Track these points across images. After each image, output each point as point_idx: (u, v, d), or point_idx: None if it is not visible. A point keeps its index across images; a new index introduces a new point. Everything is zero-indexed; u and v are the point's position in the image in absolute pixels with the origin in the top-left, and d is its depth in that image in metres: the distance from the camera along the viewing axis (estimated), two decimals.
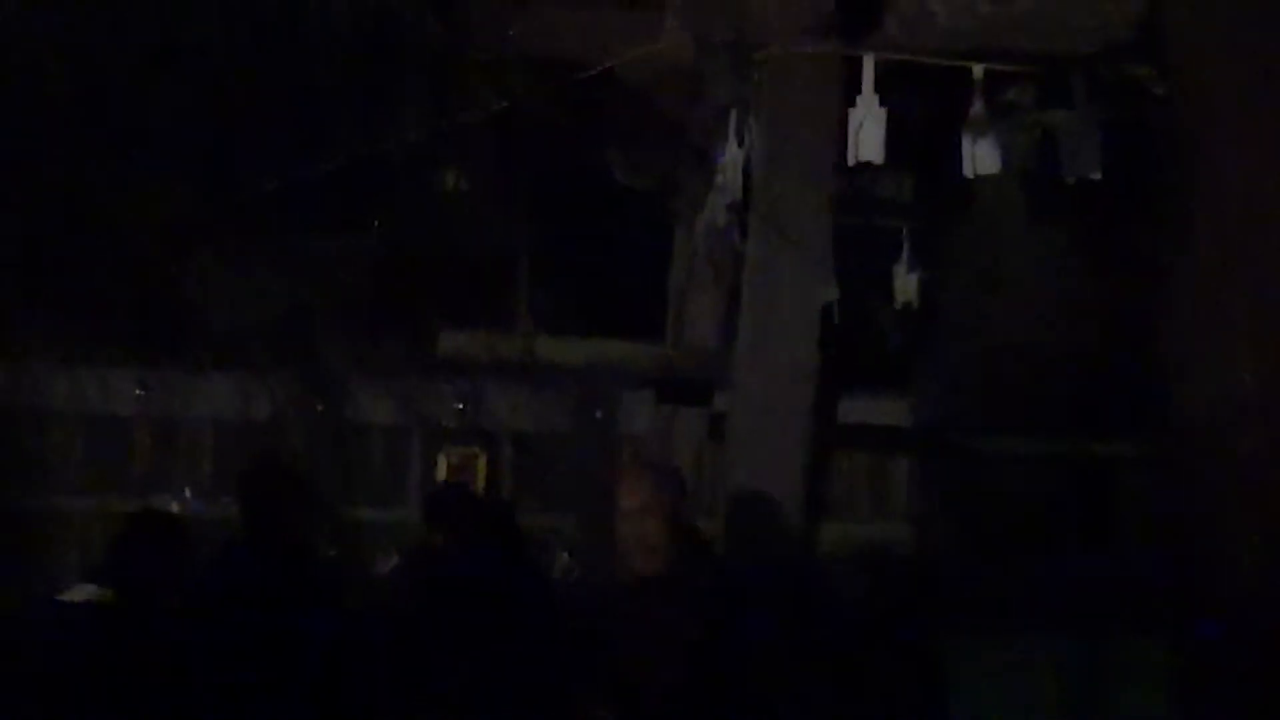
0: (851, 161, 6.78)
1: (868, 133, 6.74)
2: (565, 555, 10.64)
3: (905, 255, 9.06)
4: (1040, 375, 8.35)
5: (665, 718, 5.32)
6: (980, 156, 6.87)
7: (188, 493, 11.31)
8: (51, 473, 10.77)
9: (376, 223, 10.27)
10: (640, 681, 5.43)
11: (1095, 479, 8.36)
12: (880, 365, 9.78)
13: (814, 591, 6.83)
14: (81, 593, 5.75)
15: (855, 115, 6.76)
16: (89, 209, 8.71)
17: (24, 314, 9.56)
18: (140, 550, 5.64)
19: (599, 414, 11.10)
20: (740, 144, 7.23)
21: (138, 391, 11.13)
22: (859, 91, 6.79)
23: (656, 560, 5.61)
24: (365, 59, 7.72)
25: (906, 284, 9.09)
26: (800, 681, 5.74)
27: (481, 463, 11.50)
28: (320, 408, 11.22)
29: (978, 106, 6.87)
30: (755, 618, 5.62)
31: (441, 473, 11.20)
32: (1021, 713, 7.00)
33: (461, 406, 11.34)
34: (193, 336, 10.31)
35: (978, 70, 6.85)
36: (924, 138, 7.40)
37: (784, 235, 6.63)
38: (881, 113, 6.74)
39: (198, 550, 5.83)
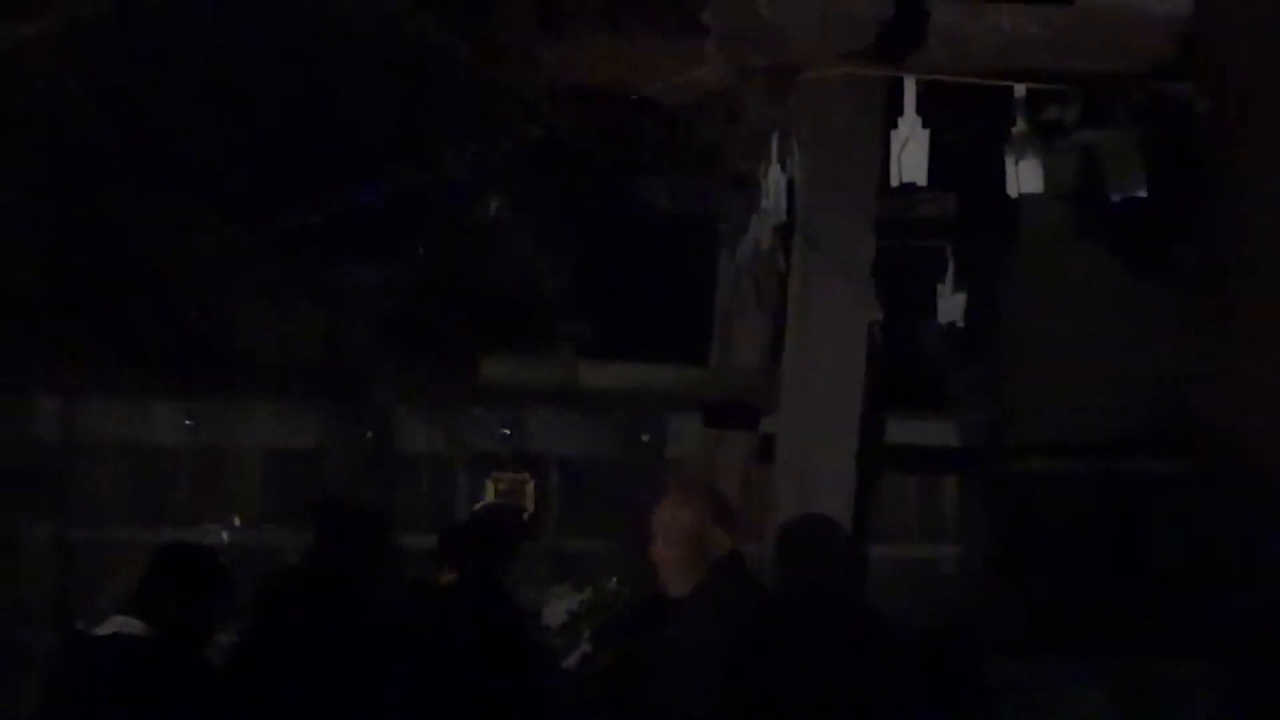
0: (894, 183, 6.78)
1: (910, 154, 6.73)
2: (613, 580, 10.66)
3: (950, 275, 9.05)
4: (1088, 393, 8.32)
5: None
6: (1024, 176, 6.85)
7: (236, 521, 11.40)
8: (102, 504, 10.85)
9: (420, 252, 10.32)
10: (676, 707, 5.44)
11: (1146, 498, 8.32)
12: (926, 386, 9.76)
13: (862, 615, 6.79)
14: (115, 625, 5.77)
15: (898, 137, 6.75)
16: (136, 246, 8.79)
17: (74, 350, 9.67)
18: (173, 583, 5.68)
19: (645, 438, 11.14)
20: (783, 167, 7.23)
21: (186, 422, 11.23)
22: (901, 113, 6.78)
23: (694, 583, 5.62)
24: (405, 91, 7.76)
25: (951, 304, 9.07)
26: (847, 706, 5.72)
27: (529, 488, 11.57)
28: (369, 436, 11.28)
29: (1020, 126, 6.85)
30: (799, 641, 5.61)
31: (490, 498, 11.27)
32: None
33: (508, 432, 11.41)
34: (239, 368, 10.38)
35: (1019, 90, 6.83)
36: (967, 158, 7.39)
37: (827, 257, 6.63)
38: (924, 134, 6.73)
39: (229, 582, 5.86)
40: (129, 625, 5.71)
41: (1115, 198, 6.90)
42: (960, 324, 9.11)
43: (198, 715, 5.58)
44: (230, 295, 9.75)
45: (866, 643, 6.16)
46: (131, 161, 8.25)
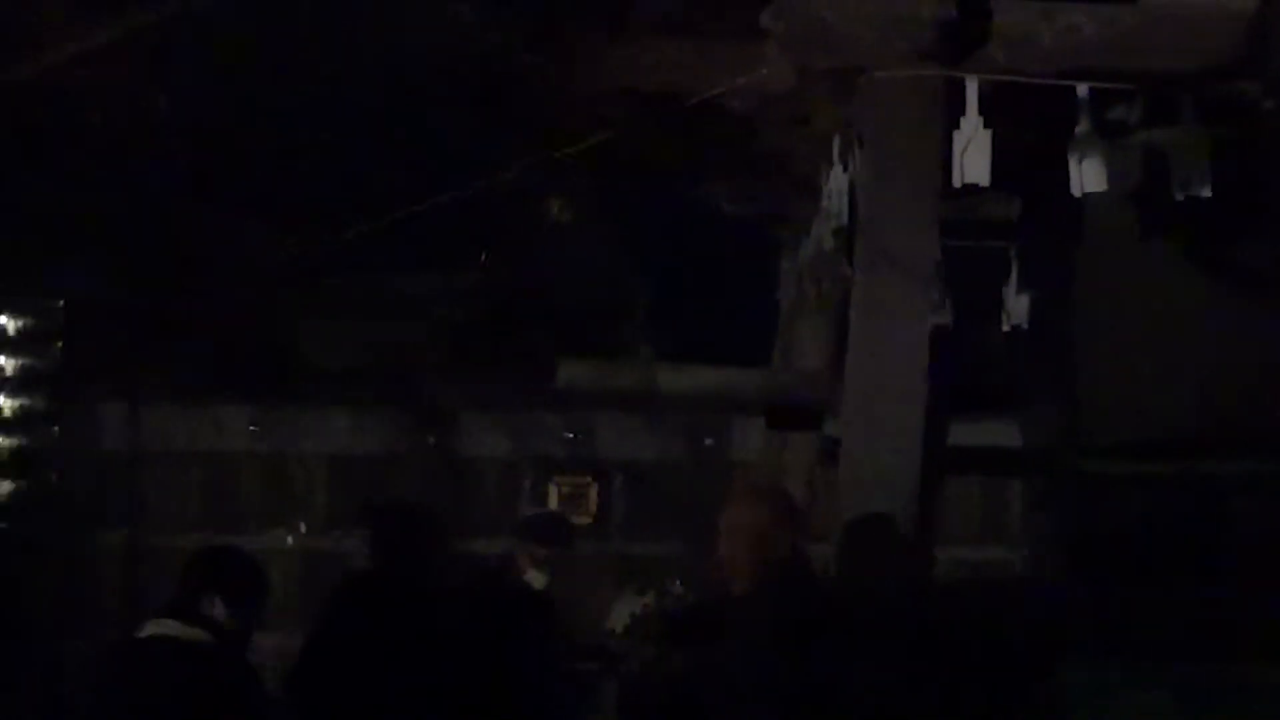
0: (957, 184, 6.76)
1: (973, 155, 6.71)
2: (677, 583, 10.66)
3: (1014, 276, 9.02)
4: (1156, 394, 8.27)
5: None
6: (1087, 175, 6.82)
7: (303, 527, 11.46)
8: (169, 511, 10.93)
9: (487, 257, 10.37)
10: (739, 710, 5.44)
11: (1217, 500, 8.27)
12: (991, 388, 9.73)
13: (928, 616, 6.78)
14: (155, 628, 5.82)
15: (960, 137, 6.73)
16: (206, 254, 8.87)
17: (140, 356, 9.76)
18: (211, 586, 5.73)
19: (709, 441, 11.13)
20: (845, 169, 7.23)
21: (251, 428, 11.31)
22: (963, 114, 6.76)
23: (759, 584, 5.62)
24: (473, 97, 7.80)
25: (1016, 305, 9.04)
26: (911, 707, 5.72)
27: (593, 491, 11.58)
28: (432, 440, 11.32)
29: (1083, 125, 6.82)
30: (863, 642, 5.61)
31: (552, 502, 11.28)
32: None
33: (571, 436, 11.42)
34: (307, 376, 10.45)
35: (1082, 89, 6.80)
36: (1030, 158, 7.36)
37: (890, 259, 6.62)
38: (986, 134, 6.71)
39: (267, 584, 5.91)
40: (168, 628, 5.75)
41: (1180, 197, 6.84)
42: (1025, 325, 9.08)
43: (237, 717, 5.63)
44: (299, 303, 9.83)
45: (931, 644, 6.16)
46: (202, 170, 8.34)
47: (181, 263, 9.27)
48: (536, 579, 8.82)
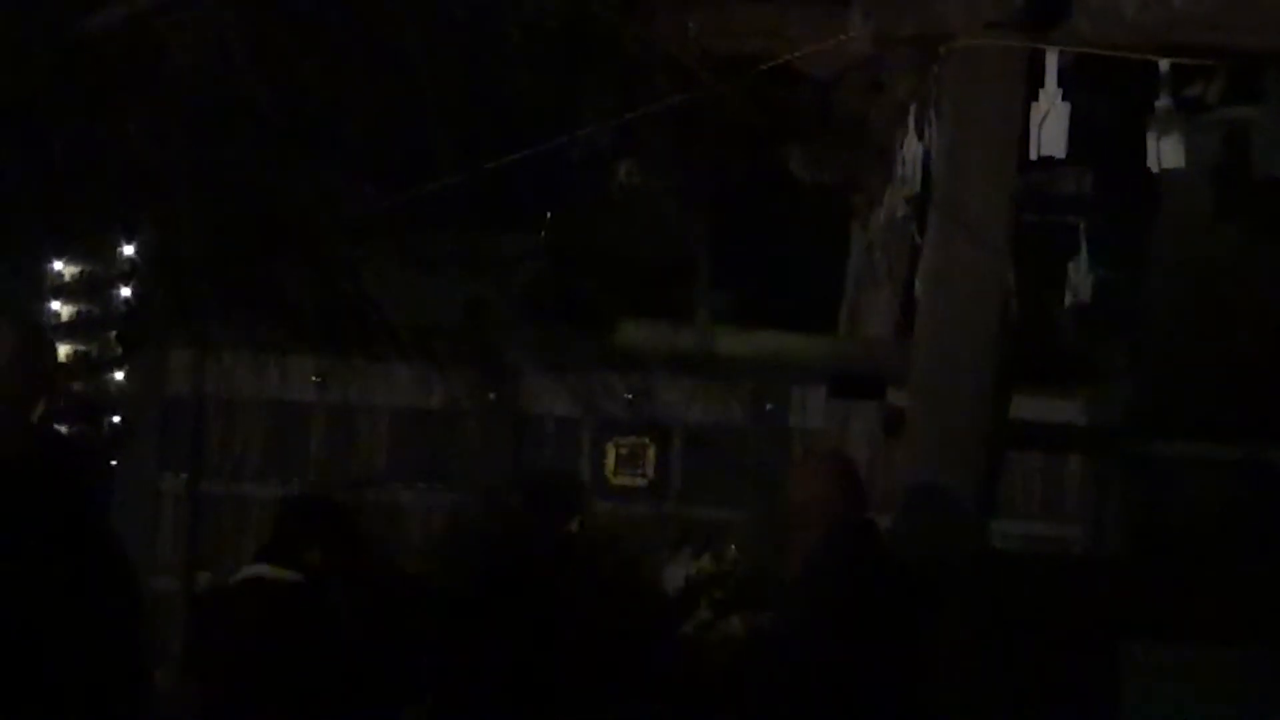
0: (1034, 156, 6.73)
1: (1050, 127, 6.68)
2: (732, 548, 10.67)
3: (1083, 252, 8.96)
4: (1222, 378, 8.22)
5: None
6: (1166, 152, 6.77)
7: (360, 480, 11.53)
8: (237, 460, 11.03)
9: (553, 218, 10.37)
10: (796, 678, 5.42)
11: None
12: (1058, 364, 9.69)
13: (987, 590, 6.77)
14: (253, 571, 5.94)
15: (1038, 109, 6.70)
16: (275, 204, 8.87)
17: (212, 306, 9.78)
18: (305, 532, 5.84)
19: (769, 407, 11.13)
20: (920, 138, 7.19)
21: (314, 379, 11.38)
22: (1042, 85, 6.73)
23: (823, 553, 5.59)
24: (552, 57, 7.77)
25: (1083, 282, 8.99)
26: (967, 680, 5.70)
27: (651, 453, 11.61)
28: (492, 396, 11.36)
29: (1164, 101, 6.76)
30: (927, 614, 5.58)
31: (610, 463, 11.31)
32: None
33: (630, 397, 11.43)
34: (373, 328, 10.48)
35: (1164, 64, 6.75)
36: (1106, 133, 7.31)
37: (964, 229, 6.60)
38: (1064, 107, 6.67)
39: (358, 531, 6.02)
40: (263, 571, 5.85)
41: (1260, 177, 6.79)
42: (1094, 302, 9.03)
43: (333, 656, 5.72)
44: (368, 257, 9.83)
45: (989, 618, 6.14)
46: (283, 124, 8.34)
47: (258, 213, 9.29)
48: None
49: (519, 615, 6.13)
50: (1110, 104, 7.10)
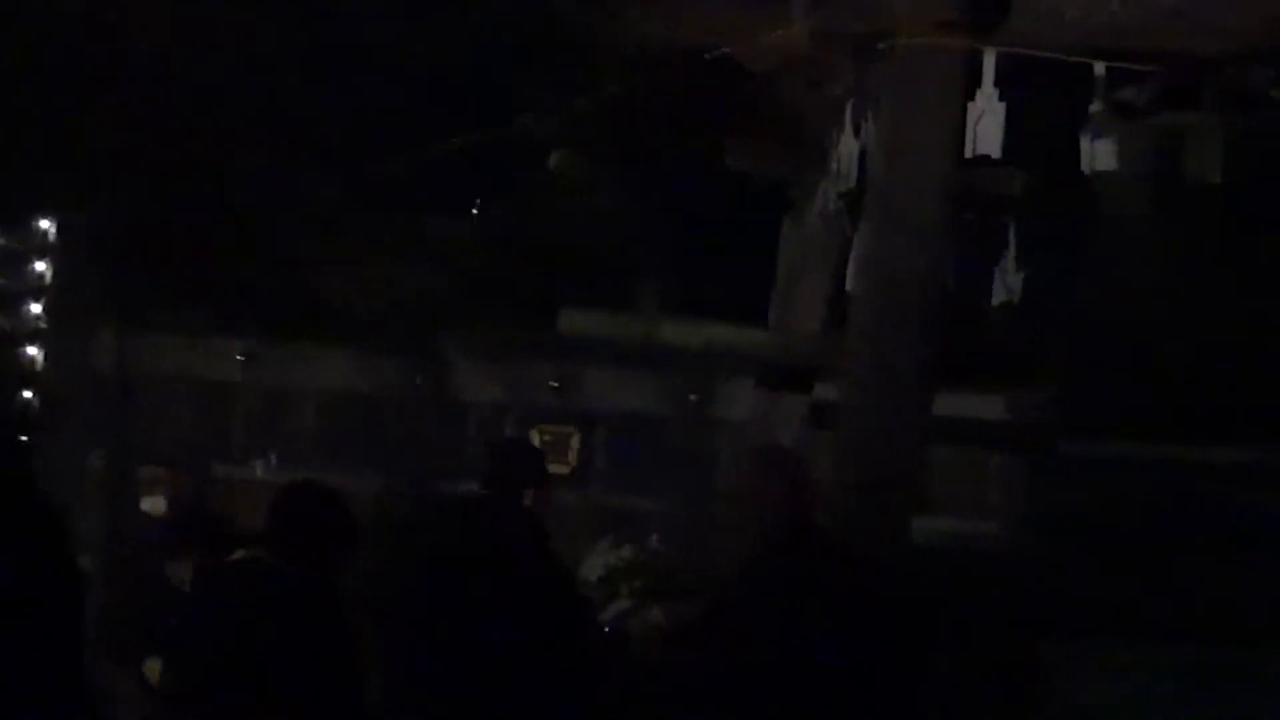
0: (969, 154, 6.79)
1: (986, 127, 6.75)
2: (654, 538, 10.67)
3: (1012, 252, 9.03)
4: (1142, 379, 8.31)
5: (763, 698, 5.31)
6: (1099, 154, 6.86)
7: (273, 459, 11.47)
8: (161, 438, 10.93)
9: (497, 205, 10.33)
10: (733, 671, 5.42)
11: (1204, 486, 8.32)
12: (982, 361, 9.75)
13: (916, 586, 6.81)
14: (245, 554, 5.96)
15: (974, 109, 6.76)
16: (214, 187, 8.84)
17: (146, 286, 9.75)
18: (297, 517, 5.82)
19: (693, 398, 11.12)
20: (856, 134, 7.24)
21: (239, 358, 11.30)
22: (979, 85, 6.79)
23: (772, 548, 5.59)
24: (490, 44, 7.76)
25: (1012, 281, 9.06)
26: (894, 675, 5.73)
27: (575, 442, 11.57)
28: (418, 381, 11.31)
29: (1098, 104, 6.85)
30: (868, 610, 5.60)
31: None
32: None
33: (556, 385, 11.41)
34: (308, 312, 10.43)
35: (1099, 68, 6.83)
36: (1039, 134, 7.39)
37: (901, 225, 6.65)
38: (1000, 107, 6.74)
39: (351, 518, 6.00)
40: (256, 553, 5.87)
41: (1191, 181, 6.88)
42: (1020, 301, 9.10)
43: (323, 641, 5.73)
44: (305, 240, 9.80)
45: (912, 614, 6.17)
46: (217, 103, 8.30)
47: (189, 190, 9.24)
48: None
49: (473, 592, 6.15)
50: (1046, 105, 7.18)
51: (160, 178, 8.60)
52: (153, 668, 6.94)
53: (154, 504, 8.22)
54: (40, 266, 11.22)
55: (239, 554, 5.97)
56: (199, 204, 8.81)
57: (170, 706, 6.17)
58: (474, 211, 10.83)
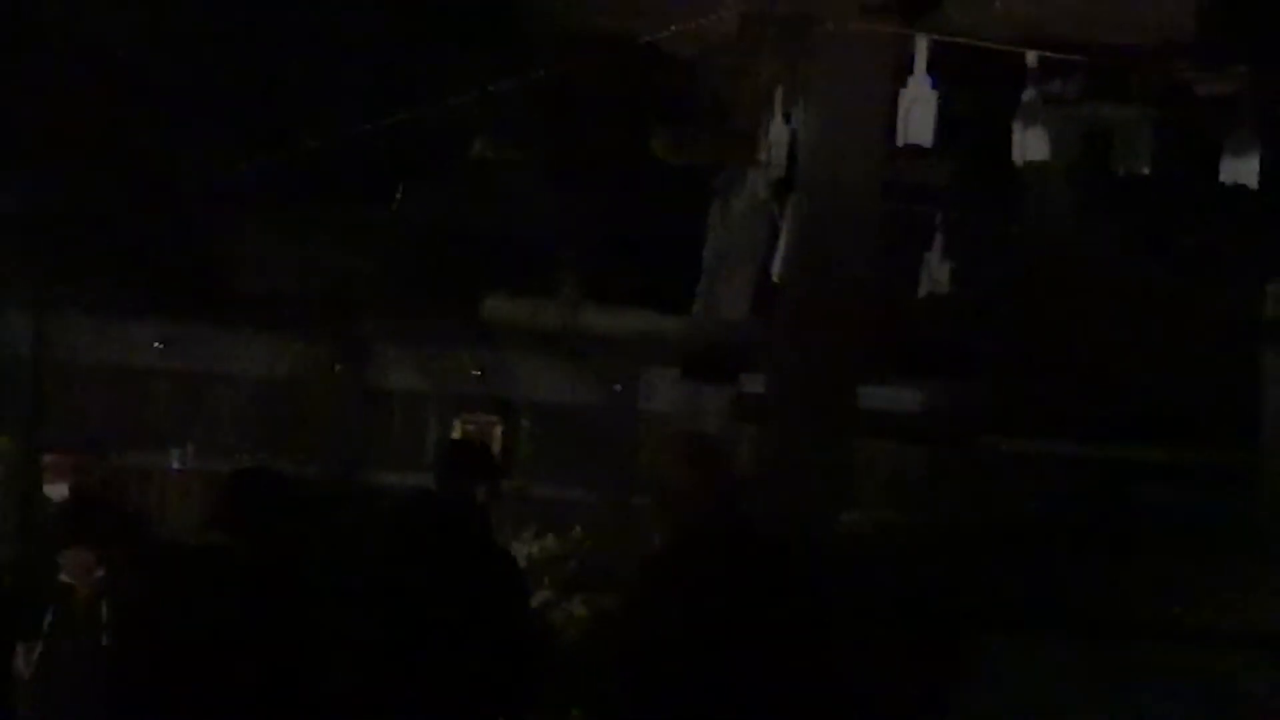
0: (900, 143, 6.73)
1: (917, 115, 6.69)
2: (577, 529, 10.61)
3: (938, 243, 9.00)
4: (1062, 376, 8.32)
5: (685, 690, 5.27)
6: (1030, 144, 6.82)
7: (190, 448, 11.35)
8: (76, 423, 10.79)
9: (410, 191, 10.23)
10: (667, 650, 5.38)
11: (1110, 485, 8.35)
12: (902, 353, 9.73)
13: (838, 576, 6.77)
14: (201, 539, 5.94)
15: (906, 96, 6.70)
16: (135, 169, 8.70)
17: (55, 266, 9.59)
18: (252, 503, 5.78)
19: (617, 387, 11.07)
20: (786, 121, 7.18)
21: (156, 345, 11.16)
22: (911, 73, 6.74)
23: (686, 534, 5.55)
24: (415, 28, 7.66)
25: (938, 272, 9.03)
26: (817, 664, 5.70)
27: (497, 431, 11.50)
28: (338, 369, 11.21)
29: (1030, 93, 6.81)
30: (787, 600, 5.57)
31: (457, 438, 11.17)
32: (1023, 711, 7.01)
33: (479, 374, 11.33)
34: (227, 296, 10.31)
35: (1031, 58, 6.79)
36: (968, 123, 7.35)
37: (833, 213, 6.59)
38: (932, 95, 6.69)
39: (305, 504, 6.01)
40: (209, 539, 5.83)
41: (1120, 173, 6.86)
42: (945, 292, 9.09)
43: (278, 625, 5.70)
44: (225, 224, 9.68)
45: (834, 607, 6.14)
46: (141, 84, 8.16)
47: (103, 175, 9.09)
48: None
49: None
50: (977, 94, 7.14)
51: (76, 160, 8.44)
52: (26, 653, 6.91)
53: (56, 490, 8.09)
54: None
55: (191, 539, 5.95)
56: (116, 187, 8.66)
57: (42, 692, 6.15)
58: (397, 197, 10.72)
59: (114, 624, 6.83)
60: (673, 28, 7.22)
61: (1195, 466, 7.93)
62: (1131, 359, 7.79)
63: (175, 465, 11.29)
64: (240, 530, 5.80)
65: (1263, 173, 6.69)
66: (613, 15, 7.51)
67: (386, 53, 7.69)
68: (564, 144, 9.09)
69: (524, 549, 9.75)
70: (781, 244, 7.74)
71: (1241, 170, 6.69)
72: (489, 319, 8.65)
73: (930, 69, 6.74)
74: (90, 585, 7.11)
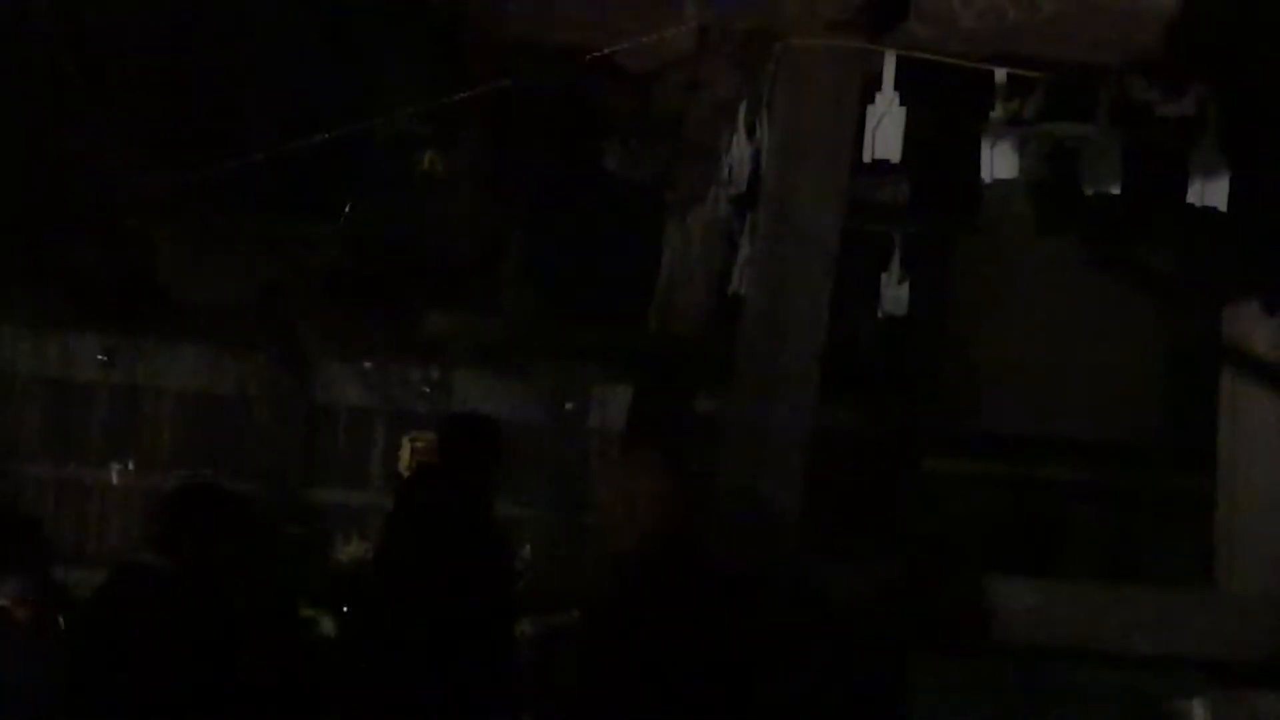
0: (868, 159, 6.64)
1: (885, 131, 6.60)
2: (526, 548, 10.52)
3: (895, 262, 8.93)
4: (1003, 396, 8.28)
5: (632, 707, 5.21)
6: (998, 162, 6.74)
7: (130, 464, 11.20)
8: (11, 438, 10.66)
9: (355, 202, 10.13)
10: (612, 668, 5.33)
11: (1045, 505, 8.33)
12: (855, 374, 9.66)
13: (792, 596, 6.71)
14: (135, 559, 5.93)
15: (874, 112, 6.61)
16: (68, 179, 8.56)
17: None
18: (189, 521, 5.72)
19: (569, 405, 10.97)
20: (749, 137, 7.07)
21: (100, 358, 11.01)
22: (879, 88, 6.65)
23: (639, 554, 5.49)
24: (361, 39, 7.55)
25: (896, 293, 8.95)
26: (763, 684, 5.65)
27: None
28: (283, 385, 11.08)
29: (998, 111, 6.73)
30: (733, 616, 5.54)
31: (404, 458, 11.05)
32: None
33: (428, 390, 11.19)
34: (165, 309, 10.19)
35: (1000, 75, 6.71)
36: (930, 142, 7.27)
37: (795, 230, 6.49)
38: (900, 111, 6.60)
39: (246, 521, 5.99)
40: (144, 558, 5.79)
41: (1089, 192, 6.79)
42: (902, 313, 9.03)
43: (210, 647, 5.65)
44: (165, 237, 9.54)
45: (778, 628, 6.13)
46: (80, 96, 8.01)
47: (39, 185, 8.93)
48: None
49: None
50: (944, 111, 7.06)
51: (13, 169, 8.28)
52: None
53: None
54: None
55: (127, 558, 5.91)
56: (55, 197, 8.50)
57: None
58: (345, 211, 10.61)
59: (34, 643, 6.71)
60: (629, 41, 7.10)
61: (1136, 489, 7.91)
62: (1085, 378, 7.75)
63: (115, 479, 11.16)
64: (179, 548, 5.73)
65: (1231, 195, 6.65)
66: (568, 28, 7.39)
67: (331, 65, 7.56)
68: (513, 158, 8.97)
69: None
70: (740, 260, 7.66)
71: (1209, 192, 6.64)
72: (436, 334, 8.53)
73: (899, 84, 6.66)
74: None
